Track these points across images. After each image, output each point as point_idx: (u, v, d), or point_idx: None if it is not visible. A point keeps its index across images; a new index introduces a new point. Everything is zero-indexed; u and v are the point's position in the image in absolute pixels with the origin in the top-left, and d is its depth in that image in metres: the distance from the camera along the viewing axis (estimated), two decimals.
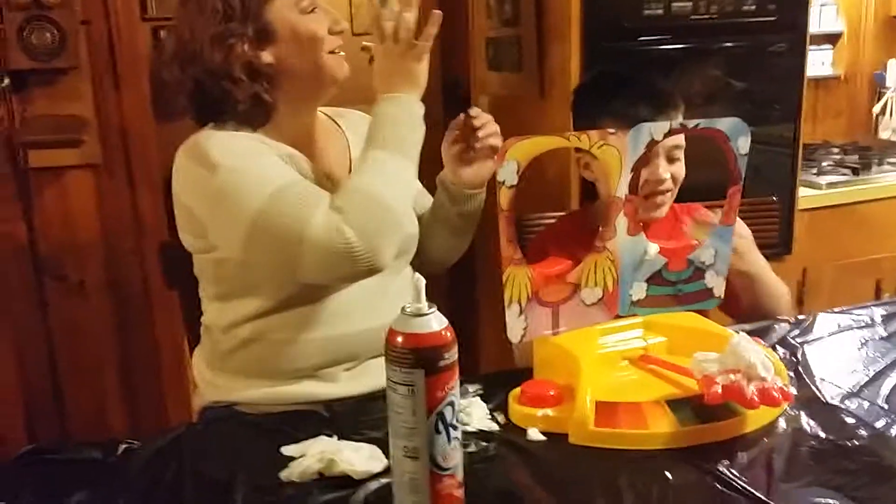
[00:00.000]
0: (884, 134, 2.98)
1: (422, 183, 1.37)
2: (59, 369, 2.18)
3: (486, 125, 1.29)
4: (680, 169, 1.40)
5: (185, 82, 1.24)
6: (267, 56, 1.22)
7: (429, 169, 1.40)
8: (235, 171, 1.15)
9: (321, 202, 1.13)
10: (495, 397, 1.08)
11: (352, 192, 1.13)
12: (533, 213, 1.70)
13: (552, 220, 1.67)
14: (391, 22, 1.17)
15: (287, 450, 0.97)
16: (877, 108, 3.01)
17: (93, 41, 2.12)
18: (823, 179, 2.40)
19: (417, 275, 0.81)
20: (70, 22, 2.01)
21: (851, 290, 2.38)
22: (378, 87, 1.20)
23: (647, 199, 1.36)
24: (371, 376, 1.21)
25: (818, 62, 2.91)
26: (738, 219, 1.37)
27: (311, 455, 0.93)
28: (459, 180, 1.33)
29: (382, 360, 1.19)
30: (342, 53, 1.26)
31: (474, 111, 1.29)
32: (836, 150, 2.72)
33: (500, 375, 1.15)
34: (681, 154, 1.38)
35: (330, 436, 0.99)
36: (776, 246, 2.08)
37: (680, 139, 1.37)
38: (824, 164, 2.53)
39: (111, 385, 2.29)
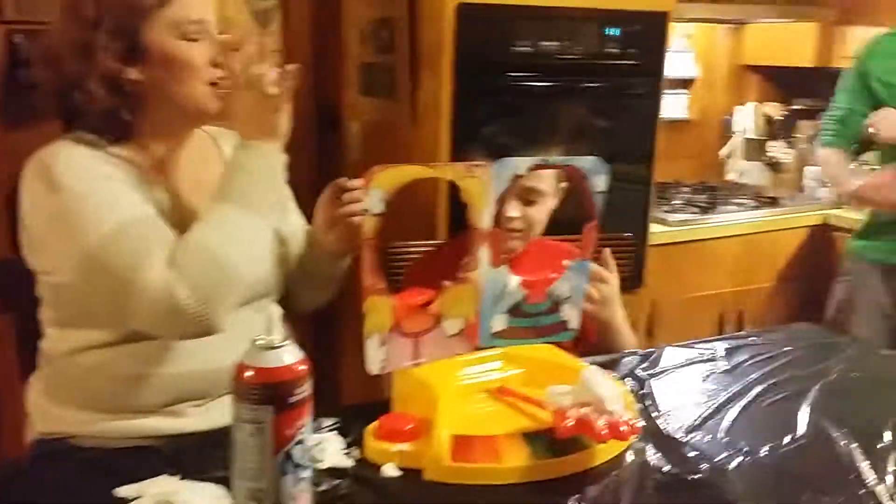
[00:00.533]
0: (730, 175, 3.19)
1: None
2: None
3: (351, 201, 1.21)
4: (537, 212, 1.41)
5: (47, 85, 1.18)
6: (133, 73, 1.16)
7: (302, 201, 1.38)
8: (77, 197, 1.09)
9: (160, 251, 1.06)
10: (353, 432, 1.05)
11: (191, 249, 1.07)
12: (401, 241, 1.69)
13: (423, 249, 1.66)
14: (245, 71, 1.12)
15: (121, 491, 0.90)
16: (724, 151, 3.23)
17: None
18: (673, 217, 2.53)
19: (272, 305, 0.78)
20: None
21: (696, 323, 2.52)
22: (238, 133, 1.15)
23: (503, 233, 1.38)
24: (221, 413, 1.14)
25: (673, 105, 3.08)
26: (610, 264, 1.41)
27: (148, 497, 0.87)
28: (325, 244, 1.29)
29: None
30: (221, 86, 1.18)
31: (350, 183, 1.21)
32: (686, 188, 2.88)
33: (360, 409, 1.12)
34: (539, 198, 1.41)
35: (172, 475, 0.93)
36: (629, 280, 2.17)
37: (538, 183, 1.39)
38: (675, 201, 2.68)
39: None
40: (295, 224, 1.36)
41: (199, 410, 1.17)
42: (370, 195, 1.03)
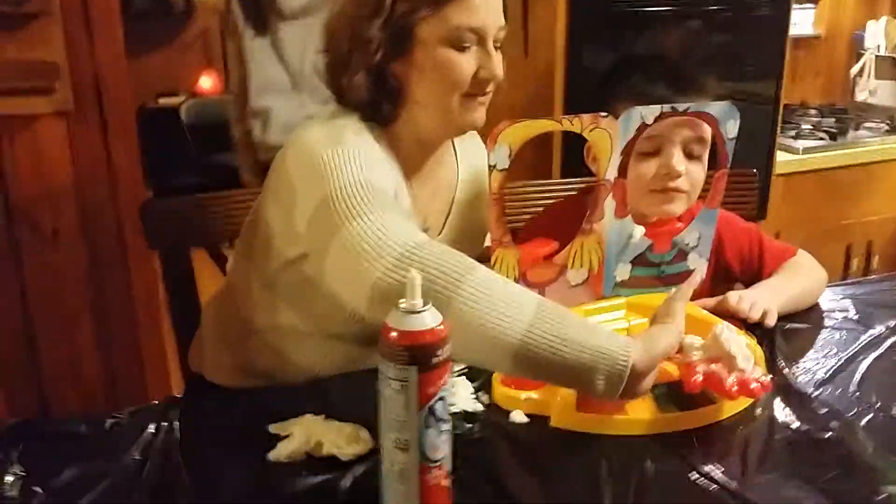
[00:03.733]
0: (860, 95, 3.01)
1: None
2: (33, 318, 2.17)
3: None
4: (700, 169, 1.23)
5: (326, 65, 1.18)
6: (398, 67, 1.12)
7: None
8: (347, 186, 1.04)
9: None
10: (480, 376, 1.09)
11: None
12: (516, 181, 1.69)
13: (542, 190, 1.65)
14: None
15: (273, 428, 0.98)
16: (855, 69, 3.03)
17: None
18: (800, 144, 2.42)
19: (413, 271, 0.81)
20: None
21: (823, 255, 2.41)
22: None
23: (657, 193, 1.23)
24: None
25: (799, 21, 2.90)
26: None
27: (298, 435, 0.95)
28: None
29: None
30: (483, 100, 1.15)
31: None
32: (813, 111, 2.74)
33: None
34: (703, 151, 1.23)
35: (316, 413, 1.00)
36: (748, 216, 2.10)
37: (705, 132, 1.21)
38: (802, 127, 2.55)
39: (86, 334, 2.29)
40: None
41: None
42: (496, 151, 1.04)
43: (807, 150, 2.40)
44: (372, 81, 1.12)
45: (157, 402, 1.08)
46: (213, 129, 4.51)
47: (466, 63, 1.11)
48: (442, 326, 0.81)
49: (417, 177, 1.22)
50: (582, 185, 1.46)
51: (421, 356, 0.79)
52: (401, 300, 0.80)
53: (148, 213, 1.46)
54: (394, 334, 0.79)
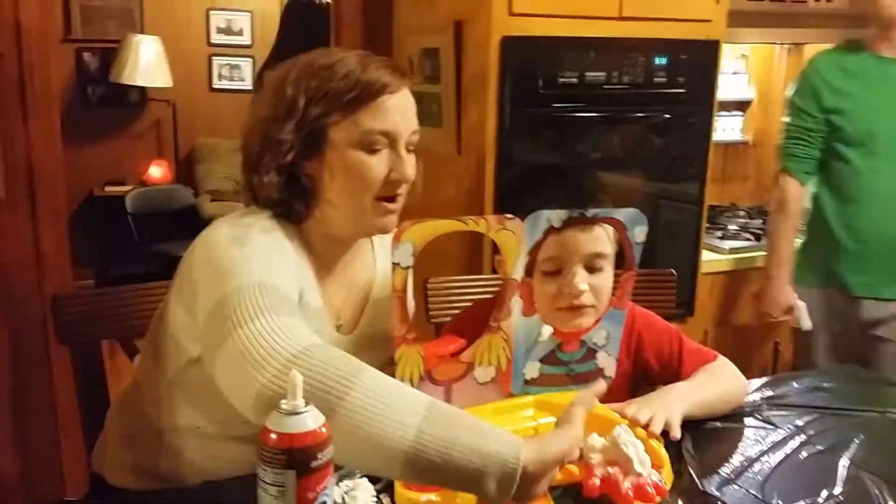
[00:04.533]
0: None
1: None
2: None
3: None
4: (604, 280, 1.23)
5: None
6: (310, 168, 1.14)
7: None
8: (245, 287, 1.02)
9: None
10: (383, 478, 1.07)
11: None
12: (446, 275, 1.70)
13: (464, 285, 1.66)
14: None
15: None
16: None
17: (2, 75, 2.06)
18: (727, 244, 2.49)
19: (294, 371, 0.80)
20: None
21: (751, 354, 2.47)
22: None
23: (565, 311, 1.22)
24: None
25: (729, 127, 3.04)
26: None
27: None
28: None
29: None
30: (394, 206, 1.16)
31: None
32: (742, 213, 2.83)
33: None
34: (605, 264, 1.23)
35: None
36: (675, 313, 2.15)
37: (603, 247, 1.22)
38: (730, 227, 2.63)
39: (4, 427, 2.20)
40: None
41: None
42: (400, 249, 1.05)
43: (733, 250, 2.46)
44: (283, 181, 1.14)
45: None
46: (156, 219, 4.56)
47: (377, 165, 1.13)
48: (324, 429, 0.79)
49: (330, 274, 1.22)
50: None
51: (299, 459, 0.77)
52: (282, 401, 0.79)
53: (59, 307, 1.43)
54: (273, 436, 0.77)
